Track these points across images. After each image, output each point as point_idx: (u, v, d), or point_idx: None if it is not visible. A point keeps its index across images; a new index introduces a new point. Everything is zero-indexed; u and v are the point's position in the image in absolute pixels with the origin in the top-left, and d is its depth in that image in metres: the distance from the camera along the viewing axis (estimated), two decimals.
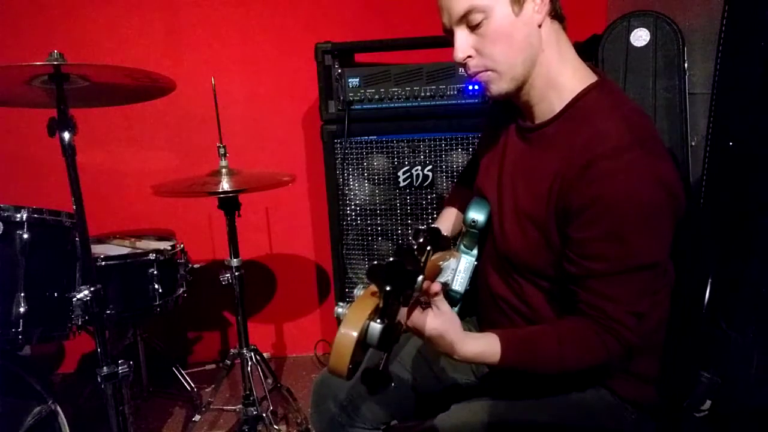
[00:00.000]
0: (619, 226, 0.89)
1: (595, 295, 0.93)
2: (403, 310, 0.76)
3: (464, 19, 0.96)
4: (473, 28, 0.96)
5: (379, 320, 0.67)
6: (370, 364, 0.74)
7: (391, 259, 0.67)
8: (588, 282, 0.94)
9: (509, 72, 0.99)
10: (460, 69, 1.83)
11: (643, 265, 0.92)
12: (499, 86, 1.01)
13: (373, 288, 0.71)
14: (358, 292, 0.75)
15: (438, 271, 1.11)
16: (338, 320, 0.69)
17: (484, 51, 0.98)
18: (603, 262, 0.92)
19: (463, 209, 1.23)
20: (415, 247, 0.74)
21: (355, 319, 0.68)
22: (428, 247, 0.77)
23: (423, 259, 0.75)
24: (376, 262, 0.66)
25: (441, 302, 0.88)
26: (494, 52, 0.97)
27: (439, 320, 0.88)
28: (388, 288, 0.66)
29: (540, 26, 0.98)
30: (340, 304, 0.73)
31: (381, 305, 0.67)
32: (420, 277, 0.72)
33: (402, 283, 0.68)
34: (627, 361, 1.03)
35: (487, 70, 1.00)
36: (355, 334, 0.67)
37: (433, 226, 0.79)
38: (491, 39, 0.96)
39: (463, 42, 0.98)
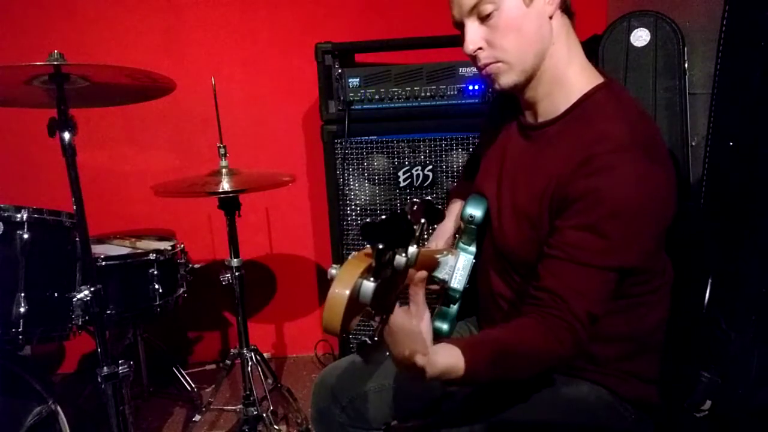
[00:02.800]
0: (604, 222, 0.89)
1: (562, 284, 0.91)
2: (396, 281, 0.75)
3: (475, 10, 0.96)
4: (484, 19, 0.96)
5: (372, 278, 0.66)
6: (366, 334, 0.74)
7: (383, 217, 0.67)
8: (560, 266, 0.92)
9: (519, 64, 0.98)
10: (461, 69, 1.85)
11: (618, 266, 0.91)
12: (509, 78, 1.00)
13: (366, 250, 0.71)
14: (350, 257, 0.75)
15: (436, 264, 1.11)
16: (331, 281, 0.69)
17: (494, 42, 0.97)
18: (580, 251, 0.90)
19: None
20: (409, 215, 0.74)
21: (348, 277, 0.67)
22: (422, 219, 0.77)
23: (417, 230, 0.75)
24: (369, 220, 0.65)
25: (420, 299, 0.81)
26: (505, 43, 0.97)
27: (410, 319, 0.78)
28: (380, 246, 0.65)
29: (551, 18, 0.97)
30: (334, 266, 0.72)
31: (374, 264, 0.66)
32: (413, 248, 0.71)
33: (394, 243, 0.67)
34: (573, 360, 0.99)
35: (497, 62, 0.99)
36: (347, 291, 0.66)
37: (426, 198, 0.78)
38: (502, 30, 0.96)
39: (474, 34, 0.98)
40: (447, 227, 1.30)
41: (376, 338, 0.73)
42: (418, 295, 0.82)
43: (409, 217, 0.72)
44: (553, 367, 1.00)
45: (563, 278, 0.92)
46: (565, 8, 1.00)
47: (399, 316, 0.78)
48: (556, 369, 1.05)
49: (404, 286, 0.80)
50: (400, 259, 0.69)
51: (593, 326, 0.92)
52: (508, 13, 0.95)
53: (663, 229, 0.95)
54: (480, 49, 0.99)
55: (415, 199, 0.78)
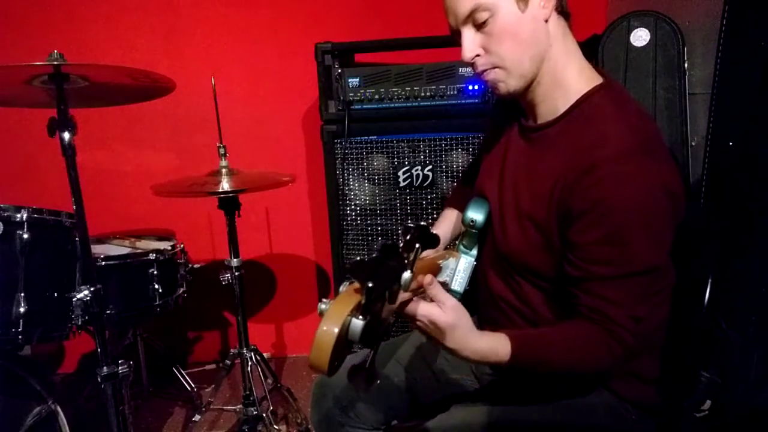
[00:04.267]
0: (621, 230, 0.89)
1: (597, 298, 0.93)
2: (390, 308, 0.76)
3: (470, 18, 0.96)
4: (479, 26, 0.96)
5: (361, 316, 0.66)
6: (357, 361, 0.74)
7: (373, 255, 0.67)
8: (589, 285, 0.93)
9: (517, 69, 0.98)
10: (461, 69, 1.85)
11: (645, 269, 0.92)
12: (508, 84, 1.00)
13: (357, 284, 0.70)
14: (342, 288, 0.74)
15: (437, 270, 1.11)
16: (321, 316, 0.68)
17: (491, 49, 0.97)
18: (605, 266, 0.91)
19: (463, 210, 1.22)
20: (401, 244, 0.74)
21: (337, 315, 0.67)
22: (416, 245, 0.77)
23: (411, 257, 0.75)
24: (358, 258, 0.65)
25: (443, 295, 0.85)
26: (501, 49, 0.97)
27: (451, 312, 0.84)
28: (369, 284, 0.65)
29: (547, 21, 0.97)
30: (323, 300, 0.71)
31: (363, 302, 0.66)
32: (407, 274, 0.71)
33: (384, 280, 0.67)
34: (626, 363, 1.02)
35: (495, 68, 0.99)
36: (336, 329, 0.66)
37: (421, 223, 0.78)
38: (498, 37, 0.96)
39: (470, 42, 0.98)
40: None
41: (367, 365, 0.72)
42: (436, 292, 0.84)
43: (401, 244, 0.72)
44: (603, 370, 1.02)
45: (597, 295, 0.93)
46: (561, 10, 0.99)
47: (435, 313, 0.83)
48: (607, 374, 1.06)
49: (399, 307, 0.80)
50: (393, 287, 0.69)
51: (640, 326, 0.94)
52: (504, 20, 0.94)
53: (676, 224, 0.94)
54: (477, 56, 0.99)
55: (409, 223, 0.78)
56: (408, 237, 0.76)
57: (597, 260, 0.92)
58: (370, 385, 0.71)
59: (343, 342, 0.67)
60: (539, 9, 0.96)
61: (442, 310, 0.84)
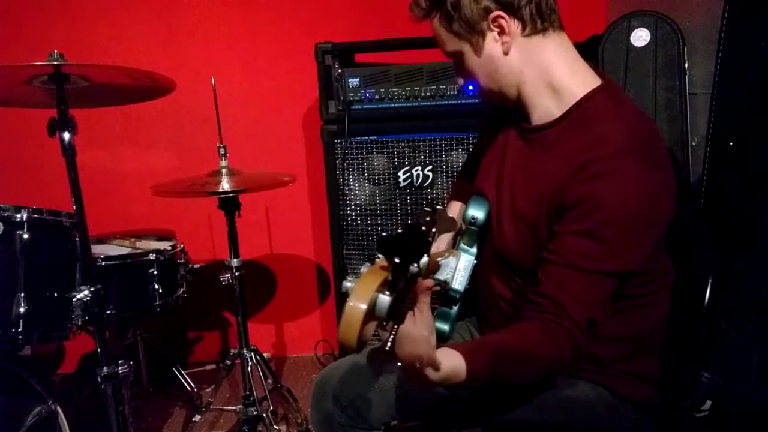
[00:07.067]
0: (603, 228, 0.89)
1: (561, 290, 0.92)
2: (408, 291, 0.76)
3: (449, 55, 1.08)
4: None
5: (387, 292, 0.67)
6: (376, 344, 0.74)
7: (399, 230, 0.67)
8: (559, 271, 0.92)
9: (493, 95, 1.08)
10: None
11: (617, 272, 0.92)
12: (491, 100, 1.11)
13: (381, 263, 0.71)
14: (363, 269, 0.75)
15: (437, 267, 1.11)
16: (346, 294, 0.69)
17: (470, 78, 1.09)
18: (580, 257, 0.91)
19: (466, 203, 1.23)
20: (423, 226, 0.74)
21: (364, 292, 0.68)
22: (433, 229, 0.78)
23: (429, 238, 0.76)
24: (386, 234, 0.66)
25: (426, 307, 0.82)
26: (477, 80, 1.08)
27: (417, 326, 0.79)
28: (397, 260, 0.66)
29: (507, 54, 1.01)
30: (348, 278, 0.73)
31: (390, 278, 0.67)
32: (425, 258, 0.72)
33: (411, 255, 0.68)
34: (573, 363, 0.99)
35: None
36: (364, 306, 0.67)
37: (439, 207, 0.79)
38: (469, 72, 1.07)
39: (456, 70, 1.12)
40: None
41: (387, 348, 0.73)
42: (424, 302, 0.83)
43: (423, 228, 0.72)
44: (552, 372, 1.02)
45: (562, 284, 0.92)
46: (534, 29, 0.99)
47: (406, 323, 0.80)
48: (556, 373, 1.05)
49: (413, 294, 0.80)
50: (413, 269, 0.70)
51: (592, 331, 0.93)
52: (469, 61, 1.05)
53: (661, 233, 0.95)
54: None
55: (427, 208, 0.79)
56: (427, 219, 0.77)
57: (573, 250, 0.92)
58: (391, 367, 0.72)
59: (371, 318, 0.68)
60: (495, 46, 1.01)
61: (413, 319, 0.79)
